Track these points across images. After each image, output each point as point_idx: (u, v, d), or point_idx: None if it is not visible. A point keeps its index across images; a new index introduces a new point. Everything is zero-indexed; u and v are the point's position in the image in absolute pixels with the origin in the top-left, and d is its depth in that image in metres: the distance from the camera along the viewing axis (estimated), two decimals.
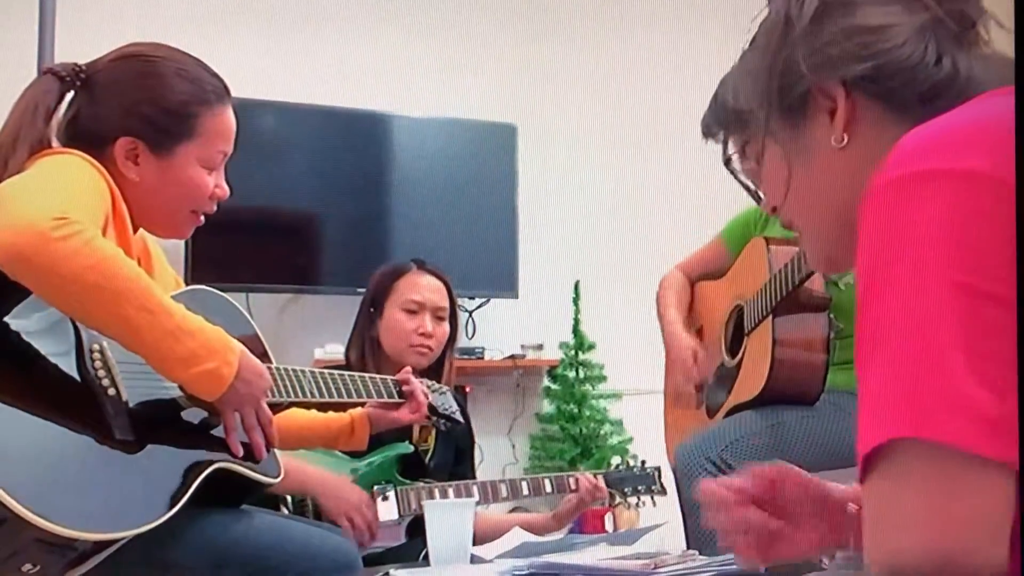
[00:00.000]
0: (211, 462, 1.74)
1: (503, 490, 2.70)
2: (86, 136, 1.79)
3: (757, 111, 1.07)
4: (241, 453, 1.77)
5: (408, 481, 2.61)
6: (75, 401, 1.63)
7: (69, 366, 1.65)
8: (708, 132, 1.16)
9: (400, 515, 2.54)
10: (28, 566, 1.51)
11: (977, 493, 0.77)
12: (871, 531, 0.82)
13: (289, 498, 2.46)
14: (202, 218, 1.91)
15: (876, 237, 0.84)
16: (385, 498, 2.53)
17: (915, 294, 0.80)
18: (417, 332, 2.76)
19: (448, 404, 2.55)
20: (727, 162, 1.20)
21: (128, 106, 1.81)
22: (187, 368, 1.62)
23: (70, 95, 1.83)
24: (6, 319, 1.61)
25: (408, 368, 2.48)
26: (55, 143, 1.79)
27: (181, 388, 1.72)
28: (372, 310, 2.82)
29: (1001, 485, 0.77)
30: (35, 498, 1.47)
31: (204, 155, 1.85)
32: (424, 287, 2.81)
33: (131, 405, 1.68)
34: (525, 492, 2.75)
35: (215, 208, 1.92)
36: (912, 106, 0.98)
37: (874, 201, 0.85)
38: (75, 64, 1.85)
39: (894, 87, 1.00)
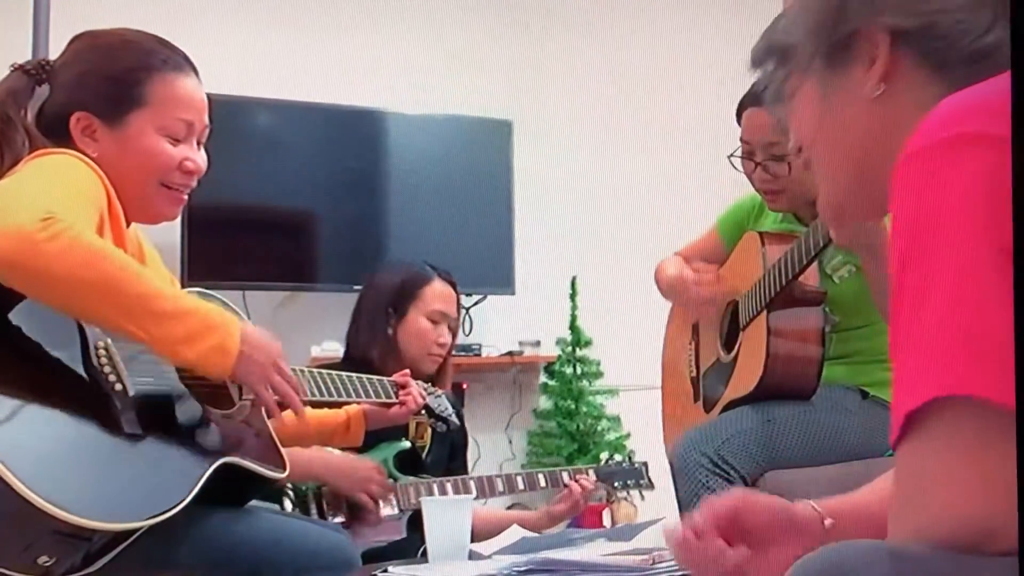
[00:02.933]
0: (218, 457, 1.75)
1: (499, 484, 2.73)
2: (49, 123, 1.80)
3: (803, 45, 1.07)
4: (278, 413, 1.80)
5: (406, 477, 2.63)
6: (83, 396, 1.64)
7: (75, 362, 1.66)
8: (755, 62, 1.16)
9: (401, 510, 2.56)
10: (44, 558, 1.52)
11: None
12: (906, 498, 0.79)
13: (291, 492, 2.47)
14: (184, 196, 1.88)
15: (915, 200, 0.82)
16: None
17: (961, 254, 0.78)
18: (437, 342, 2.82)
19: (444, 406, 2.61)
20: (762, 92, 1.19)
21: (77, 80, 1.82)
22: (191, 347, 1.61)
23: (43, 90, 1.84)
24: (12, 319, 1.62)
25: (407, 371, 2.53)
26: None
27: (192, 387, 1.73)
28: (391, 311, 2.84)
29: None
30: (51, 489, 1.47)
31: (161, 123, 1.81)
32: (448, 298, 2.87)
33: (137, 400, 1.68)
34: (521, 487, 2.77)
35: (193, 183, 1.87)
36: (952, 68, 0.98)
37: (912, 165, 0.84)
38: (43, 59, 1.87)
39: (939, 47, 0.98)
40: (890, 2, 1.00)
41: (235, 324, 1.67)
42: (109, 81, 1.81)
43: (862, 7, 1.02)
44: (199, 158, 1.87)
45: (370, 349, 2.81)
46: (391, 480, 2.58)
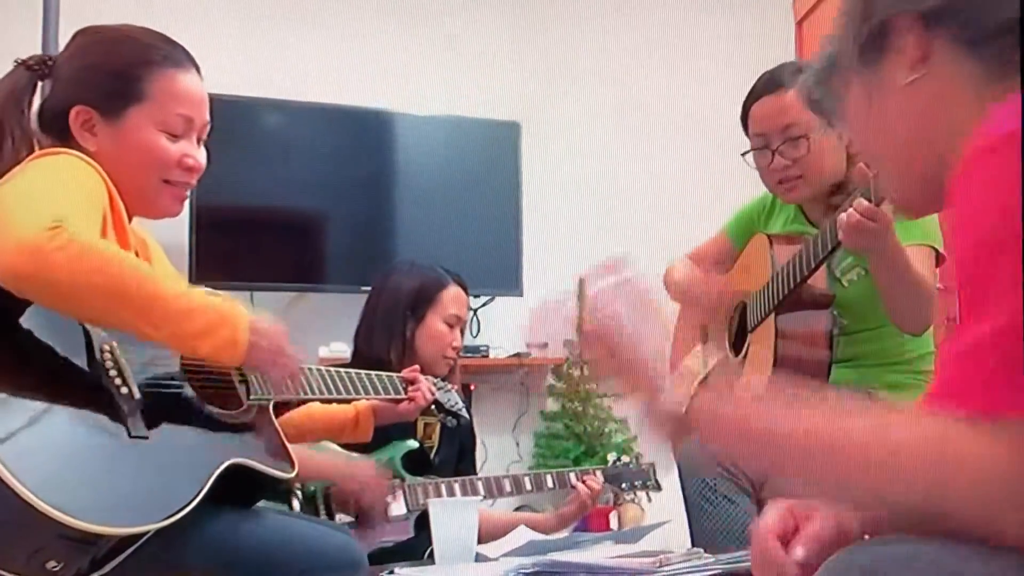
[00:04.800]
0: (225, 458, 1.75)
1: (507, 485, 2.74)
2: (49, 118, 1.81)
3: (844, 48, 1.10)
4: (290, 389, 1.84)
5: (413, 477, 2.63)
6: (89, 400, 1.63)
7: (80, 366, 1.66)
8: (818, 80, 1.18)
9: (408, 510, 2.57)
10: (52, 563, 1.51)
11: None
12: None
13: (299, 492, 2.47)
14: (186, 193, 1.88)
15: (980, 199, 0.83)
16: (393, 493, 2.55)
17: None
18: (452, 345, 2.87)
19: (454, 401, 2.63)
20: (814, 106, 1.22)
21: (77, 75, 1.82)
22: (206, 341, 1.63)
23: (46, 86, 1.85)
24: (19, 324, 1.61)
25: (416, 367, 2.54)
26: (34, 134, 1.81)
27: (199, 388, 1.74)
28: (408, 313, 2.86)
29: None
30: (57, 494, 1.47)
31: (159, 118, 1.82)
32: (462, 302, 2.93)
33: (143, 402, 1.68)
34: (528, 487, 2.78)
35: (193, 181, 1.88)
36: (984, 44, 0.99)
37: (975, 163, 0.84)
38: (45, 55, 1.87)
39: (966, 23, 1.00)
40: None
41: (243, 315, 1.69)
42: (109, 75, 1.81)
43: None
44: (199, 155, 1.87)
45: (386, 351, 2.82)
46: (398, 480, 2.59)
